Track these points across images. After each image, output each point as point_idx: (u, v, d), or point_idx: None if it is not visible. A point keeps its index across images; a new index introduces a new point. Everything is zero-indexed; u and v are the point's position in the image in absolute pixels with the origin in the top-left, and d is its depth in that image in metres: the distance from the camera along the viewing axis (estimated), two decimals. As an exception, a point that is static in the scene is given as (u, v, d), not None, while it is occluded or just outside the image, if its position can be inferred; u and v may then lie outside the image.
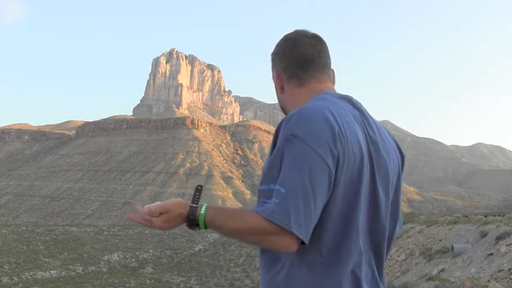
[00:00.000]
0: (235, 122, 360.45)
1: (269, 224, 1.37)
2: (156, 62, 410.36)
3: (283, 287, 1.48)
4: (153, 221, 1.51)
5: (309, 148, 1.40)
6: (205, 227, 1.49)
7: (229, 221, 1.44)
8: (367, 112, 1.64)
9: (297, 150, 1.41)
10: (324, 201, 1.42)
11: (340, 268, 1.49)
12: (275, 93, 1.76)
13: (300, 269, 1.47)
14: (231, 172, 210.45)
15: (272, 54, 1.73)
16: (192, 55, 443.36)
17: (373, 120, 1.64)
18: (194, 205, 1.50)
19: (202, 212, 1.48)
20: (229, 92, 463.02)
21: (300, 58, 1.65)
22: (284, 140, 1.44)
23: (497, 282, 9.08)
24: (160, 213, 1.52)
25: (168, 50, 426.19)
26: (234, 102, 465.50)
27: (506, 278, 9.59)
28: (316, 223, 1.41)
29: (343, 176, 1.45)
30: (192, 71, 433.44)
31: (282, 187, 1.38)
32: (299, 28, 1.71)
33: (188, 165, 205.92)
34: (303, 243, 1.40)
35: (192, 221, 1.48)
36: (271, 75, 1.75)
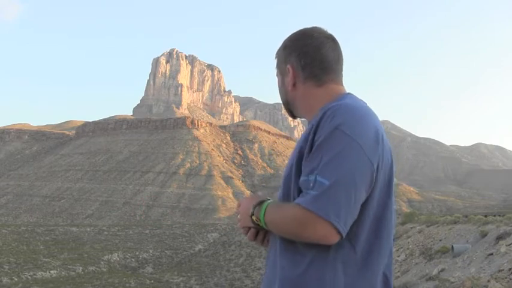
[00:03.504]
0: (235, 122, 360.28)
1: (309, 214, 1.38)
2: (156, 62, 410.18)
3: (314, 285, 1.46)
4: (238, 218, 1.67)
5: (356, 144, 1.42)
6: (264, 224, 1.54)
7: (274, 214, 1.48)
8: None
9: (343, 144, 1.41)
10: (363, 198, 1.44)
11: (373, 269, 1.50)
12: (279, 85, 1.75)
13: (333, 268, 1.46)
14: (231, 172, 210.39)
15: (287, 49, 1.69)
16: (192, 55, 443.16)
17: None
18: (256, 203, 1.56)
19: (263, 208, 1.53)
20: (229, 92, 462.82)
21: (323, 60, 1.64)
22: (329, 133, 1.43)
23: (497, 282, 9.08)
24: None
25: (168, 50, 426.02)
26: (234, 102, 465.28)
27: (506, 278, 9.59)
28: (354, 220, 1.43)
29: (381, 176, 1.48)
30: (192, 71, 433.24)
31: (326, 179, 1.39)
32: (301, 27, 1.70)
33: (188, 165, 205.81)
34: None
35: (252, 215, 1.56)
36: (279, 69, 1.73)
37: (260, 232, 1.62)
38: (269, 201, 1.54)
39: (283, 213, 1.45)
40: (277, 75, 1.75)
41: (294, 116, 1.76)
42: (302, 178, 1.45)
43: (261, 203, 1.54)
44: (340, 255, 1.46)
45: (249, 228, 1.61)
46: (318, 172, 1.41)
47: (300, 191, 1.47)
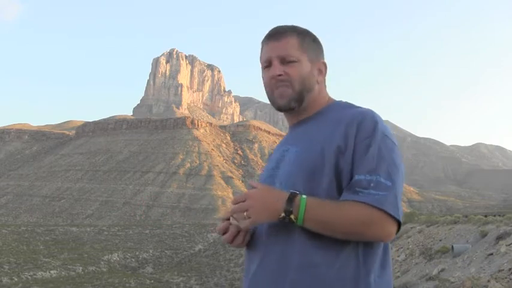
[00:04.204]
0: (235, 122, 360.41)
1: (379, 213, 1.41)
2: (156, 62, 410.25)
3: (360, 283, 1.47)
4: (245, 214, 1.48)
5: (397, 149, 1.53)
6: (303, 219, 1.43)
7: (338, 212, 1.43)
8: None
9: (394, 151, 1.50)
10: None
11: (390, 268, 1.57)
12: (305, 71, 1.61)
13: (364, 269, 1.49)
14: (231, 172, 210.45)
15: (317, 44, 1.68)
16: (192, 55, 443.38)
17: None
18: (293, 194, 1.45)
19: (303, 202, 1.43)
20: (229, 92, 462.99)
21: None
22: (381, 138, 1.49)
23: (497, 282, 9.07)
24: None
25: (168, 50, 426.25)
26: (234, 102, 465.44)
27: (506, 278, 9.59)
28: None
29: None
30: (192, 71, 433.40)
31: (388, 180, 1.44)
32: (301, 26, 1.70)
33: (188, 165, 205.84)
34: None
35: (288, 210, 1.43)
36: (309, 56, 1.63)
37: (241, 232, 1.56)
38: (304, 197, 1.44)
39: (344, 211, 1.42)
40: (297, 59, 1.61)
41: (295, 107, 1.64)
42: (359, 177, 1.45)
43: (291, 198, 1.44)
44: (366, 256, 1.50)
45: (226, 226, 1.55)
46: (380, 173, 1.45)
47: (338, 188, 1.48)
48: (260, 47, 1.69)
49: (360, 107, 1.58)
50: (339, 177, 1.49)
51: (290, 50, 1.60)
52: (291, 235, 1.48)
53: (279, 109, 1.65)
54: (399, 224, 1.45)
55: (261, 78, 1.68)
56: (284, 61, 1.60)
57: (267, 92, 1.65)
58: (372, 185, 1.43)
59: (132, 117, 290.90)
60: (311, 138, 1.55)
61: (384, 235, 1.43)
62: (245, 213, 1.46)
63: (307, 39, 1.64)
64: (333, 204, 1.44)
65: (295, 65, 1.60)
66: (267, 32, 1.65)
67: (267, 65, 1.63)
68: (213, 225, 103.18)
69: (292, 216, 1.42)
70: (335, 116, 1.57)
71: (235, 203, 1.49)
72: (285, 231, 1.49)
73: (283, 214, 1.43)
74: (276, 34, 1.63)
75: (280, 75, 1.59)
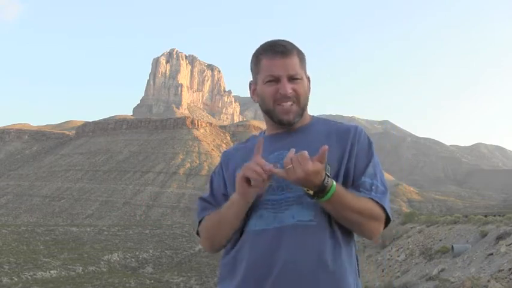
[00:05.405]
0: (235, 122, 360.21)
1: (381, 211, 1.60)
2: (156, 62, 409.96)
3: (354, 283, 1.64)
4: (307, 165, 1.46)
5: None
6: (329, 198, 1.52)
7: (355, 200, 1.56)
8: None
9: (378, 160, 1.73)
10: None
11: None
12: (305, 88, 1.72)
13: (356, 265, 1.69)
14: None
15: (304, 61, 1.72)
16: (192, 55, 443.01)
17: None
18: (329, 174, 1.53)
19: (334, 183, 1.52)
20: (229, 92, 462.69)
21: None
22: (373, 148, 1.71)
23: (497, 282, 9.07)
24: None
25: (168, 50, 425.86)
26: (234, 102, 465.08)
27: (506, 278, 9.59)
28: None
29: None
30: (192, 71, 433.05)
31: (382, 185, 1.64)
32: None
33: (188, 165, 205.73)
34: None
35: (325, 188, 1.49)
36: (303, 72, 1.71)
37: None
38: (334, 182, 1.54)
39: (360, 202, 1.57)
40: (301, 76, 1.69)
41: (296, 122, 1.71)
42: (365, 179, 1.64)
43: (327, 178, 1.53)
44: (354, 252, 1.70)
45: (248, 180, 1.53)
46: (377, 179, 1.65)
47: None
48: (254, 54, 1.72)
49: (343, 123, 1.77)
50: (346, 179, 1.65)
51: (296, 69, 1.66)
52: (322, 228, 1.58)
53: (281, 123, 1.69)
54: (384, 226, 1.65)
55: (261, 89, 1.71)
56: (291, 79, 1.65)
57: (267, 104, 1.68)
58: (373, 187, 1.62)
59: (132, 117, 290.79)
60: (320, 146, 1.59)
61: (377, 232, 1.62)
62: (288, 168, 1.48)
63: (301, 55, 1.70)
64: (351, 193, 1.58)
65: (300, 83, 1.67)
66: (266, 37, 1.72)
67: (272, 79, 1.65)
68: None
69: (320, 194, 1.51)
70: (328, 129, 1.72)
71: (303, 163, 1.46)
72: (318, 225, 1.58)
73: (311, 192, 1.51)
74: (284, 51, 1.66)
75: (290, 93, 1.65)
